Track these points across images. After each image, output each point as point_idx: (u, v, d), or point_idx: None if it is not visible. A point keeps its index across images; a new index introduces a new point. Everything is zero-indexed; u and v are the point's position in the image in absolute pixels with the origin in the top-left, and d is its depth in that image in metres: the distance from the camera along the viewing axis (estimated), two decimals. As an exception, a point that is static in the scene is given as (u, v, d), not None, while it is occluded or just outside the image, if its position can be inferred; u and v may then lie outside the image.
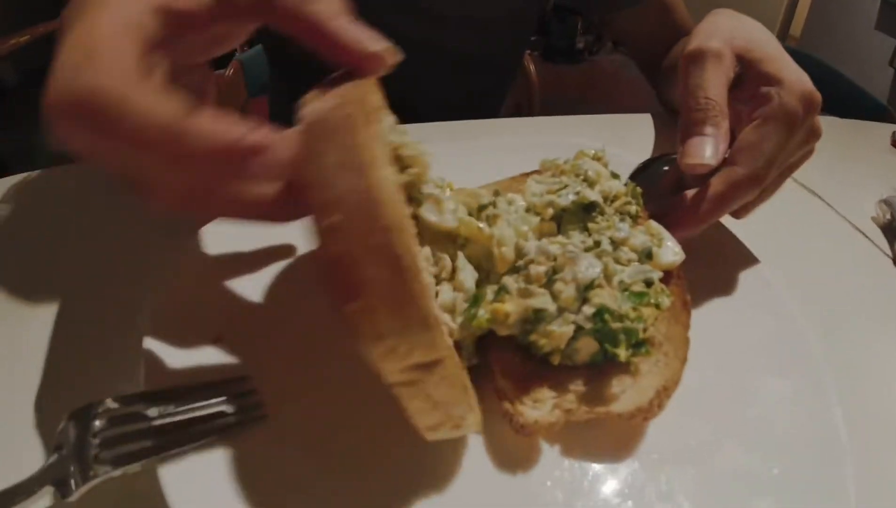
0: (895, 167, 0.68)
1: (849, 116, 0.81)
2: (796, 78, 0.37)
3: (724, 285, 0.38)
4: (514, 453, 0.27)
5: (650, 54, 0.70)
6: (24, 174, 0.48)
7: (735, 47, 0.39)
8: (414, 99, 0.68)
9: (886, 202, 0.55)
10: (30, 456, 0.25)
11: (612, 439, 0.29)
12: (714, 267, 0.38)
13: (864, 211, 0.56)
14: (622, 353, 0.29)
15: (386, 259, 0.21)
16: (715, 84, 0.37)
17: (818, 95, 0.38)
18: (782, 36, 2.78)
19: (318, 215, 0.22)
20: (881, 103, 1.38)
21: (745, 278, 0.39)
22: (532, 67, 1.01)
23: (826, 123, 0.80)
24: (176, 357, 0.28)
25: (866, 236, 0.52)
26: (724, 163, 0.37)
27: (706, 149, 0.36)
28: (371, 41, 0.26)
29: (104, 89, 0.21)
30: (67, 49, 0.22)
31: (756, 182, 0.36)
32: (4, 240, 0.42)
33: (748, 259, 0.40)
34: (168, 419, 0.25)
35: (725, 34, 0.39)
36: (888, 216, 0.54)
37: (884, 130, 0.76)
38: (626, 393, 0.28)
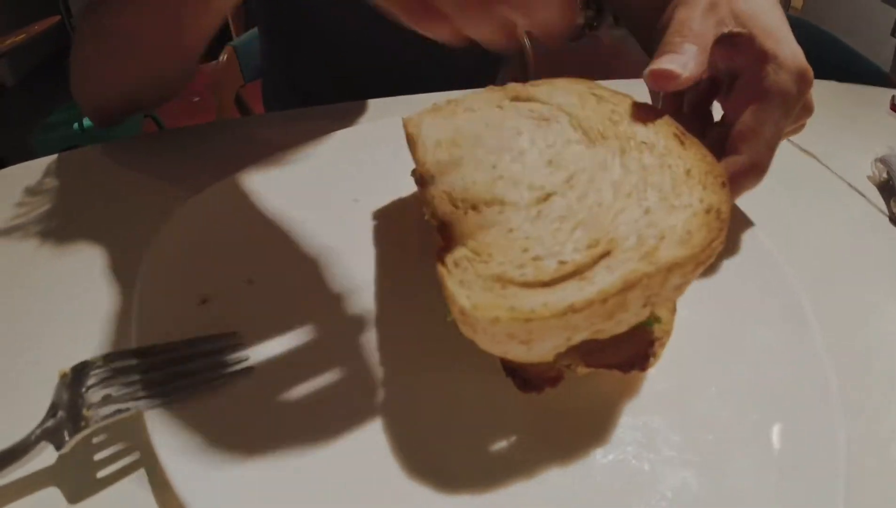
0: (893, 130, 0.67)
1: (850, 82, 0.80)
2: (791, 54, 0.36)
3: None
4: (514, 408, 0.28)
5: (645, 20, 0.69)
6: (35, 160, 0.51)
7: (735, 9, 0.37)
8: (406, 73, 0.67)
9: (882, 161, 0.54)
10: (27, 415, 0.25)
11: (609, 389, 0.29)
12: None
13: (861, 171, 0.55)
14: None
15: None
16: (702, 24, 0.36)
17: (811, 72, 0.37)
18: (784, 6, 2.74)
19: None
20: (883, 71, 1.36)
21: (730, 229, 0.39)
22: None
23: (824, 86, 0.80)
24: (166, 317, 0.29)
25: (862, 195, 0.52)
26: (725, 152, 0.36)
27: (673, 61, 0.34)
28: None
29: None
30: None
31: (760, 169, 0.36)
32: (14, 216, 0.44)
33: (734, 213, 0.40)
34: (157, 373, 0.26)
35: None
36: (884, 175, 0.54)
37: (883, 94, 0.75)
38: (623, 346, 0.28)
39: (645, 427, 0.27)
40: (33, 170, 0.50)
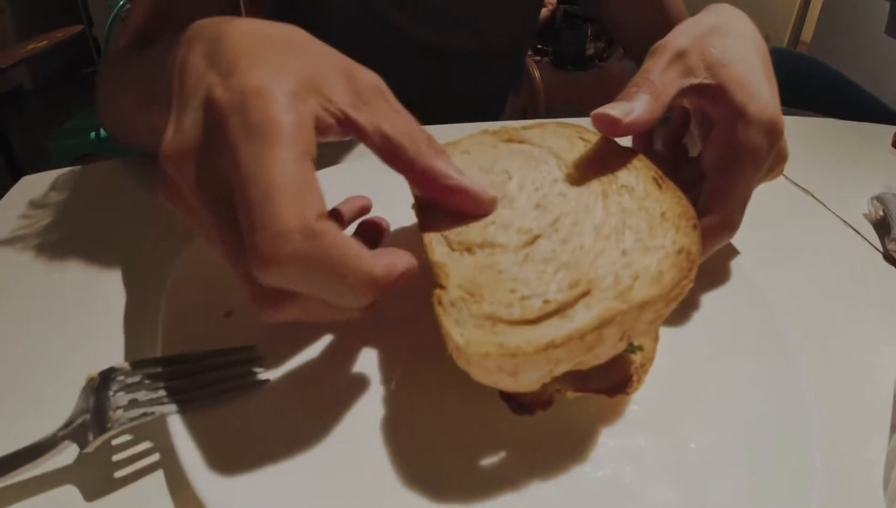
0: (892, 167, 0.69)
1: (857, 120, 0.81)
2: (762, 106, 0.36)
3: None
4: (508, 429, 0.29)
5: (644, 50, 0.71)
6: (56, 171, 0.53)
7: (707, 56, 0.37)
8: (414, 102, 0.70)
9: (879, 199, 0.56)
10: (54, 414, 0.27)
11: (597, 412, 0.31)
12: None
13: (857, 208, 0.57)
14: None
15: None
16: (662, 75, 0.37)
17: (781, 123, 0.36)
18: (793, 42, 2.78)
19: None
20: (889, 109, 1.38)
21: (717, 262, 0.40)
22: (536, 73, 1.03)
23: (825, 124, 0.81)
24: (191, 328, 0.31)
25: (857, 232, 0.54)
26: (699, 212, 0.35)
27: (617, 108, 0.35)
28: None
29: (338, 245, 0.23)
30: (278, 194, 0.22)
31: (731, 227, 0.36)
32: (42, 224, 0.47)
33: (724, 246, 0.41)
34: (181, 381, 0.28)
35: (701, 38, 0.38)
36: (880, 213, 0.55)
37: (886, 131, 0.76)
38: (609, 372, 0.30)
39: (630, 447, 0.29)
40: (54, 179, 0.52)
